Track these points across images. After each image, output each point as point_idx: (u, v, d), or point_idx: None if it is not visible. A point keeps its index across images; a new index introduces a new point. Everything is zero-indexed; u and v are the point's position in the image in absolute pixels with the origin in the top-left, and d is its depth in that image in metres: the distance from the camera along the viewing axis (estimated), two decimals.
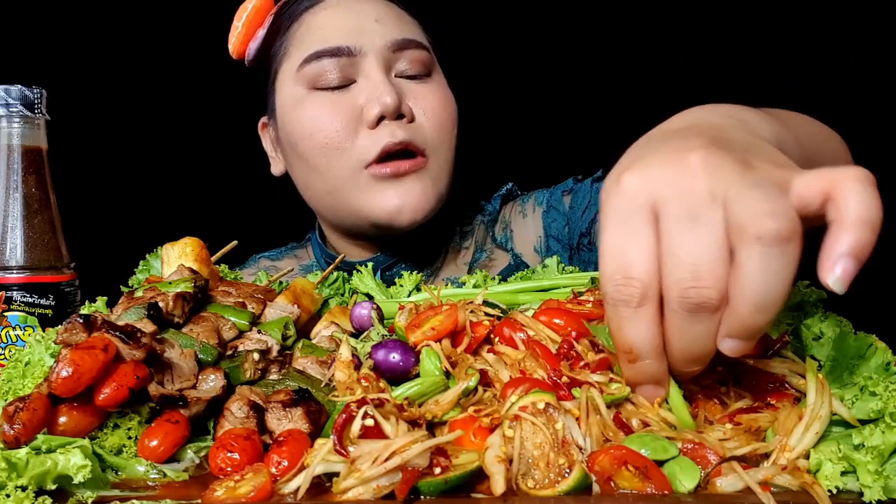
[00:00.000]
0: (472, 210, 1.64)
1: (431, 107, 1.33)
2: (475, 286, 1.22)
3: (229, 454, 0.72)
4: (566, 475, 0.66)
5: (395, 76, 1.34)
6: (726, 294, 0.61)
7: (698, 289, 0.60)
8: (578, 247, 1.45)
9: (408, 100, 1.31)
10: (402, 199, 1.29)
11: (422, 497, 0.64)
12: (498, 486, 0.64)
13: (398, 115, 1.28)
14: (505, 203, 1.65)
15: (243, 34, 1.43)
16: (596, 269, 1.19)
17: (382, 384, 0.80)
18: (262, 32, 1.43)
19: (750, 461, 0.70)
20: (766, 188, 0.59)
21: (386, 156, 1.28)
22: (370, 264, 1.30)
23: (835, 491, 0.66)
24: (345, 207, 1.35)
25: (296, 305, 1.05)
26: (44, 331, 1.14)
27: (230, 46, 1.48)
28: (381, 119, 1.27)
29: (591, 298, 0.98)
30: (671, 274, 0.61)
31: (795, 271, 0.60)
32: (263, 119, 1.53)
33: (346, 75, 1.31)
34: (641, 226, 0.63)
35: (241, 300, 1.04)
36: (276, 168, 1.53)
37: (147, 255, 1.23)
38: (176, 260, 1.08)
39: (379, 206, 1.30)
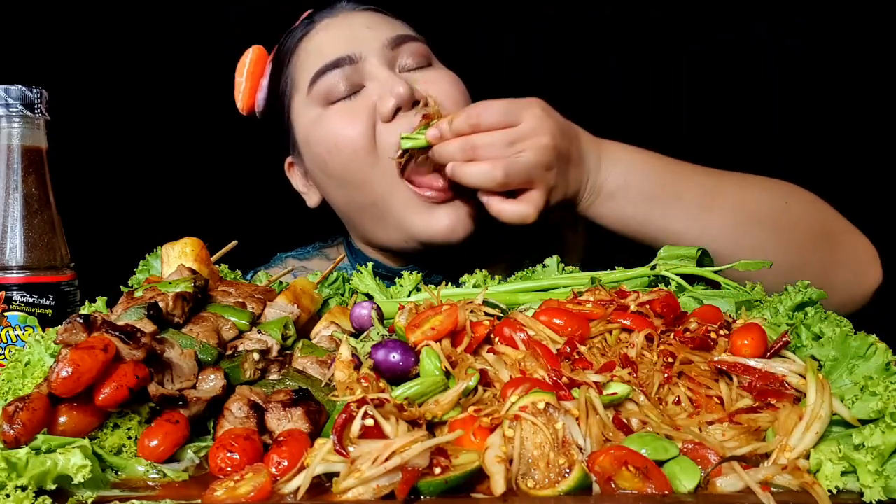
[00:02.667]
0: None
1: (443, 88, 1.35)
2: (475, 286, 1.22)
3: (229, 454, 0.72)
4: (566, 475, 0.66)
5: (399, 71, 1.36)
6: None
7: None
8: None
9: (418, 86, 1.33)
10: (450, 224, 1.31)
11: (422, 497, 0.64)
12: (498, 486, 0.64)
13: (413, 102, 1.30)
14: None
15: (249, 87, 1.47)
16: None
17: (382, 384, 0.80)
18: (265, 82, 1.47)
19: (750, 461, 0.70)
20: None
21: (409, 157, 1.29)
22: (370, 264, 1.31)
23: (835, 491, 0.66)
24: (391, 222, 1.35)
25: (296, 305, 1.05)
26: (44, 331, 1.14)
27: (238, 103, 1.50)
28: (396, 112, 1.29)
29: (591, 298, 0.98)
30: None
31: None
32: (289, 159, 1.55)
33: (354, 82, 1.33)
34: None
35: (241, 300, 1.04)
36: (312, 200, 1.54)
37: (147, 255, 1.23)
38: (176, 260, 1.08)
39: (431, 228, 1.31)
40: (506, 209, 1.20)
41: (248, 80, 1.46)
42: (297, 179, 1.57)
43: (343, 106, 1.33)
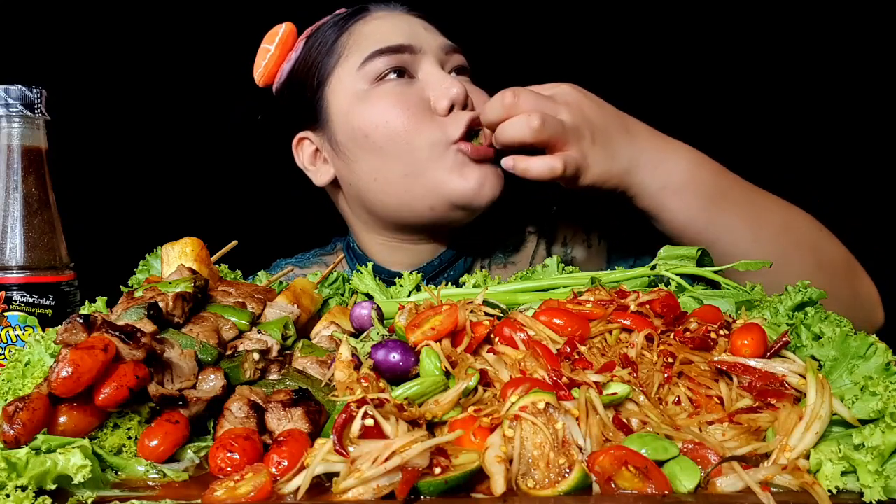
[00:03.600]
0: (511, 226, 1.67)
1: (481, 102, 1.41)
2: (475, 286, 1.22)
3: (229, 454, 0.72)
4: (566, 475, 0.66)
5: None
6: None
7: None
8: None
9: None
10: (483, 178, 1.36)
11: (422, 497, 0.64)
12: (498, 486, 0.64)
13: (464, 104, 1.38)
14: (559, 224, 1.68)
15: (276, 56, 1.49)
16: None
17: (382, 384, 0.80)
18: (294, 55, 1.49)
19: (750, 461, 0.70)
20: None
21: (470, 131, 1.36)
22: (370, 264, 1.31)
23: (835, 491, 0.66)
24: (422, 188, 1.38)
25: (296, 305, 1.05)
26: (44, 331, 1.14)
27: (260, 70, 1.51)
28: (451, 109, 1.37)
29: (591, 298, 0.98)
30: None
31: None
32: (300, 135, 1.54)
33: (409, 71, 1.40)
34: None
35: (241, 300, 1.04)
36: (323, 176, 1.53)
37: (147, 255, 1.23)
38: (176, 260, 1.08)
39: (464, 184, 1.35)
40: (533, 164, 1.23)
41: (278, 48, 1.48)
42: (304, 156, 1.55)
43: (396, 88, 1.38)
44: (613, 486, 0.66)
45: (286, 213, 2.61)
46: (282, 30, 1.50)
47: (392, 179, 1.39)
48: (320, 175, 1.53)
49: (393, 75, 1.38)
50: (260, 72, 1.52)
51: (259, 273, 1.40)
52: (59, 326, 0.82)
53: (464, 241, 1.53)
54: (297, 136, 1.54)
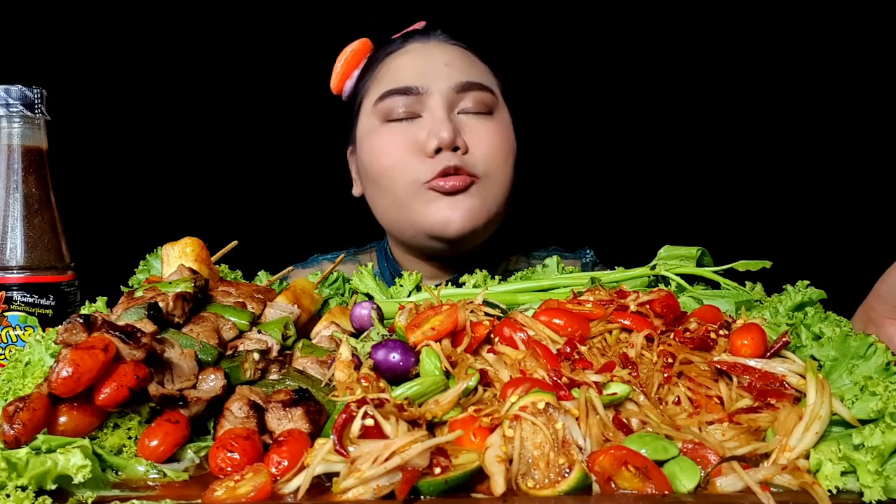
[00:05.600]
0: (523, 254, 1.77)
1: (485, 141, 1.49)
2: (475, 286, 1.22)
3: (229, 454, 0.72)
4: (566, 475, 0.66)
5: (458, 113, 1.50)
6: None
7: None
8: None
9: (464, 134, 1.48)
10: (452, 212, 1.44)
11: (422, 497, 0.64)
12: (498, 486, 0.64)
13: (453, 147, 1.45)
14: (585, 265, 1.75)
15: (341, 73, 1.64)
16: None
17: (382, 384, 0.80)
18: (356, 73, 1.63)
19: (750, 461, 0.70)
20: None
21: (443, 174, 1.44)
22: (370, 264, 1.32)
23: (835, 491, 0.66)
24: (406, 220, 1.51)
25: (296, 305, 1.05)
26: (44, 331, 1.14)
27: (332, 79, 1.66)
28: (438, 150, 1.44)
29: (591, 298, 0.98)
30: None
31: None
32: (350, 147, 1.70)
33: (413, 110, 1.49)
34: None
35: (241, 300, 1.04)
36: (356, 190, 1.70)
37: (147, 255, 1.23)
38: (176, 260, 1.08)
39: (433, 217, 1.45)
40: None
41: (343, 66, 1.64)
42: (353, 168, 1.71)
43: (397, 128, 1.49)
44: (613, 486, 0.66)
45: (286, 213, 2.62)
46: (351, 47, 1.64)
47: (386, 208, 1.55)
48: (356, 187, 1.70)
49: (400, 112, 1.48)
50: (332, 80, 1.66)
51: (259, 273, 1.40)
52: (60, 326, 0.82)
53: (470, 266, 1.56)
54: (349, 147, 1.69)
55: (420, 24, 1.62)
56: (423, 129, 1.47)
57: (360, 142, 1.58)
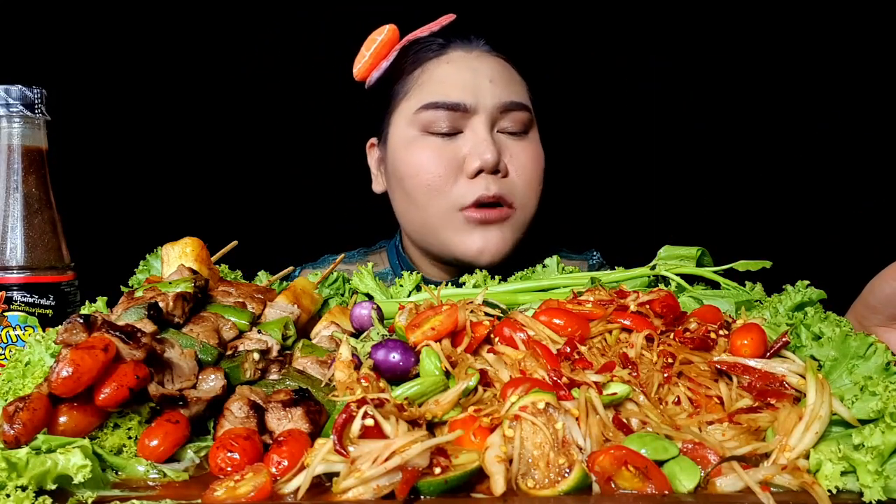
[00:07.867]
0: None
1: (524, 164, 1.49)
2: (475, 286, 1.22)
3: (229, 454, 0.72)
4: (566, 475, 0.66)
5: (497, 132, 1.49)
6: None
7: None
8: None
9: (504, 156, 1.47)
10: (484, 243, 1.46)
11: (422, 497, 0.64)
12: (498, 486, 0.64)
13: (494, 170, 1.44)
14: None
15: (369, 63, 1.57)
16: None
17: (382, 384, 0.80)
18: (385, 64, 1.56)
19: (750, 461, 0.70)
20: None
21: (479, 204, 1.45)
22: (370, 264, 1.32)
23: (835, 491, 0.66)
24: (434, 240, 1.53)
25: (296, 305, 1.05)
26: (44, 331, 1.14)
27: (355, 70, 1.60)
28: (479, 171, 1.44)
29: (591, 298, 0.98)
30: None
31: None
32: (372, 140, 1.67)
33: (456, 126, 1.47)
34: None
35: (241, 300, 1.04)
36: (378, 186, 1.68)
37: (147, 255, 1.23)
38: (176, 260, 1.08)
39: (465, 246, 1.47)
40: None
41: (372, 57, 1.56)
42: (372, 161, 1.69)
43: (437, 143, 1.47)
44: (613, 485, 0.66)
45: (286, 213, 2.62)
46: (380, 36, 1.56)
47: (414, 222, 1.55)
48: (378, 184, 1.67)
49: (443, 127, 1.46)
50: (358, 67, 1.59)
51: (259, 273, 1.40)
52: (60, 326, 0.82)
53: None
54: (371, 139, 1.67)
55: (449, 18, 1.56)
56: (464, 147, 1.46)
57: (394, 148, 1.55)
